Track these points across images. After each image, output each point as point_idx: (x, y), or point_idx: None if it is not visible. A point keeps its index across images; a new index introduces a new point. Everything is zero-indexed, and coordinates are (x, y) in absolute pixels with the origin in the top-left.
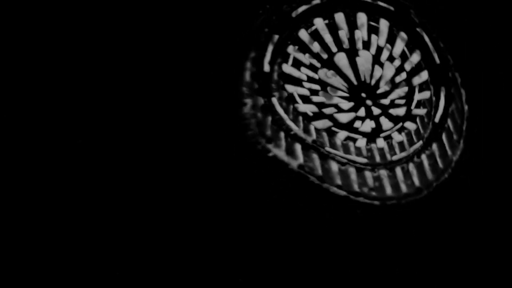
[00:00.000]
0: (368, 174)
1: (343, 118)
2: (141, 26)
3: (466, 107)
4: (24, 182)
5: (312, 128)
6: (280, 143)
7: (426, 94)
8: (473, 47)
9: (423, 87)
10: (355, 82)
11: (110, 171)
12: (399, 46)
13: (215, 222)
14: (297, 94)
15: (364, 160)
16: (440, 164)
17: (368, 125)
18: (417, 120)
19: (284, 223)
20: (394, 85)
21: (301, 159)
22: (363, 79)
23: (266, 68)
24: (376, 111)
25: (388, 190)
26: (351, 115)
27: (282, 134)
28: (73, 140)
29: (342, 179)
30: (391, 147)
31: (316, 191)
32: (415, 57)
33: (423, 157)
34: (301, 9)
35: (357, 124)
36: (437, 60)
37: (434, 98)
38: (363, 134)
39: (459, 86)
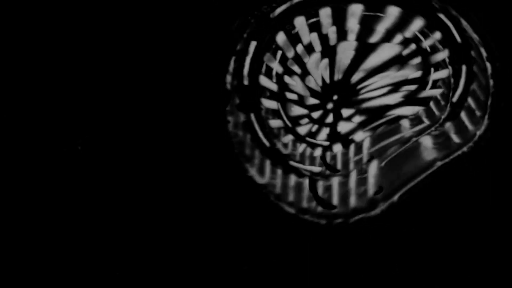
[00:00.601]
0: (320, 185)
1: (303, 130)
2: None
3: (491, 82)
4: (24, 183)
5: (289, 142)
6: (255, 161)
7: (443, 73)
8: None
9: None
10: (329, 84)
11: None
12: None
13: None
14: (275, 107)
15: (318, 169)
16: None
17: (328, 131)
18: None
19: (245, 244)
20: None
21: (267, 176)
22: (338, 77)
23: (246, 81)
24: (347, 112)
25: (335, 201)
26: (308, 127)
27: (257, 152)
28: (69, 142)
29: (295, 194)
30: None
31: (275, 210)
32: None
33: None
34: (281, 8)
35: (323, 132)
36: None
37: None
38: (326, 141)
39: (485, 61)
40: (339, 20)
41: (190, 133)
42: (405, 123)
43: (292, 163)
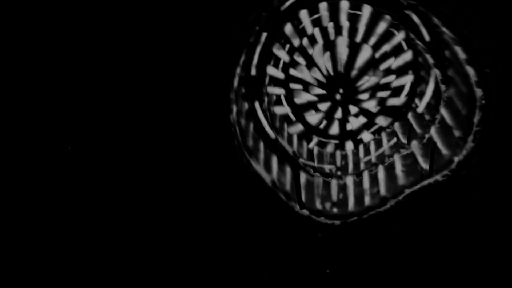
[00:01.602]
0: (333, 184)
1: (313, 120)
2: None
3: (478, 92)
4: (24, 182)
5: (294, 137)
6: (260, 155)
7: (406, 79)
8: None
9: (405, 71)
10: (332, 77)
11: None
12: (381, 29)
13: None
14: (281, 95)
15: (331, 167)
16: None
17: (339, 127)
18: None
19: (254, 244)
20: (374, 72)
21: (275, 173)
22: (340, 70)
23: (253, 71)
24: (353, 110)
25: (351, 204)
26: (320, 115)
27: (261, 145)
28: (64, 144)
29: (307, 194)
30: (366, 149)
31: (285, 210)
32: (399, 37)
33: (396, 157)
34: (289, 2)
35: (334, 126)
36: (427, 38)
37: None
38: (336, 137)
39: (463, 65)
40: (335, 15)
41: (197, 131)
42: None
43: (300, 160)
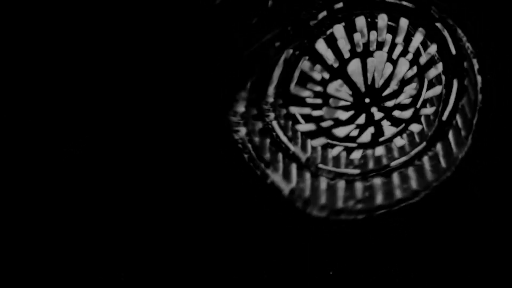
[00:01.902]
0: (358, 185)
1: (340, 132)
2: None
3: (480, 97)
4: (24, 183)
5: (308, 144)
6: (278, 165)
7: (436, 90)
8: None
9: (434, 82)
10: (362, 89)
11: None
12: (416, 42)
13: (204, 249)
14: (299, 113)
15: (356, 171)
16: (443, 164)
17: (368, 134)
18: (422, 120)
19: (270, 252)
20: (404, 82)
21: (294, 181)
22: (370, 83)
23: (270, 92)
24: (378, 115)
25: (379, 199)
26: (349, 128)
27: (280, 156)
28: (69, 142)
29: (328, 196)
30: (389, 151)
31: (301, 216)
32: (431, 50)
33: (425, 159)
34: (322, 15)
35: (355, 132)
36: (453, 51)
37: (444, 93)
38: (361, 145)
39: (475, 74)
40: (372, 30)
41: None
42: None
43: (321, 165)
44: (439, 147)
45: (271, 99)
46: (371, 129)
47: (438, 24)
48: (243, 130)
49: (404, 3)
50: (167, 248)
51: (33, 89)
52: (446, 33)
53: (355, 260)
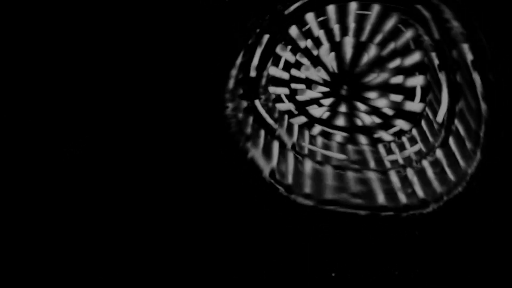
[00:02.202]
0: (350, 176)
1: (317, 112)
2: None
3: (483, 107)
4: (23, 183)
5: (295, 127)
6: (259, 141)
7: (418, 80)
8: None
9: (416, 72)
10: (334, 71)
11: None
12: (388, 26)
13: (186, 228)
14: (282, 94)
15: (344, 157)
16: (451, 176)
17: (347, 120)
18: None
19: (252, 238)
20: (381, 70)
21: (275, 160)
22: (347, 69)
23: (253, 73)
24: (361, 106)
25: (381, 198)
26: (325, 109)
27: (262, 132)
28: (70, 142)
29: (313, 184)
30: (388, 149)
31: (284, 202)
32: (408, 35)
33: (425, 163)
34: (294, 6)
35: (339, 120)
36: (436, 36)
37: (436, 91)
38: (344, 129)
39: (470, 69)
40: (342, 17)
41: (192, 128)
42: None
43: (307, 146)
44: (439, 154)
45: (254, 77)
46: (353, 118)
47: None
48: (230, 106)
49: None
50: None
51: (33, 89)
52: (427, 14)
53: (346, 254)
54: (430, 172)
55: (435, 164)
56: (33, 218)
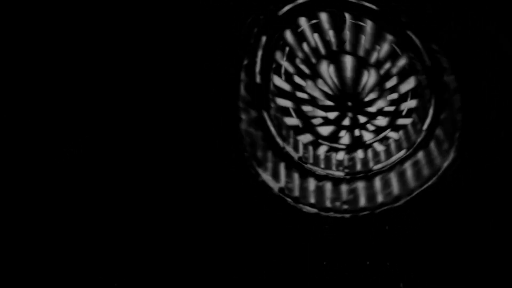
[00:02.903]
0: (343, 188)
1: (325, 131)
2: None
3: (459, 116)
4: (22, 183)
5: (300, 143)
6: (268, 164)
7: (412, 103)
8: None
9: (411, 94)
10: (339, 90)
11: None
12: (385, 49)
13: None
14: (289, 107)
15: (341, 174)
16: (426, 172)
17: (350, 136)
18: (403, 128)
19: (264, 246)
20: (381, 92)
21: (283, 180)
22: (349, 86)
23: (258, 79)
24: (362, 119)
25: (362, 201)
26: (332, 127)
27: (270, 154)
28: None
29: (316, 196)
30: (375, 156)
31: (292, 212)
32: (402, 61)
33: (407, 165)
34: (286, 7)
35: (341, 134)
36: (428, 63)
37: (424, 105)
38: (345, 146)
39: (453, 92)
40: (336, 26)
41: (203, 134)
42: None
43: (308, 166)
44: (421, 155)
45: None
46: (354, 133)
47: (409, 32)
48: (244, 118)
49: (366, 3)
50: (161, 236)
51: (33, 89)
52: (418, 43)
53: (343, 255)
54: (409, 172)
55: (415, 164)
56: (32, 218)
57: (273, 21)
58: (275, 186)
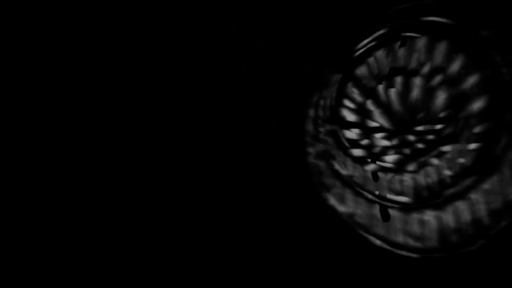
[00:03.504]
0: (414, 217)
1: (389, 160)
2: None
3: None
4: (21, 184)
5: (366, 172)
6: (336, 191)
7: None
8: None
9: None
10: (404, 117)
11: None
12: (456, 67)
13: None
14: (351, 138)
15: (408, 199)
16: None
17: (413, 163)
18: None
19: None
20: (448, 115)
21: (351, 207)
22: (415, 111)
23: (328, 113)
24: (423, 145)
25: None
26: (396, 156)
27: (338, 182)
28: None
29: (384, 225)
30: (442, 181)
31: (360, 241)
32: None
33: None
34: (364, 42)
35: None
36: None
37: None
38: (409, 172)
39: None
40: (410, 52)
41: (270, 161)
42: None
43: (376, 192)
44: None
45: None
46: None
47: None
48: (312, 151)
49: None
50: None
51: (33, 89)
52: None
53: None
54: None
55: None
56: (32, 218)
57: (350, 58)
58: (344, 211)
